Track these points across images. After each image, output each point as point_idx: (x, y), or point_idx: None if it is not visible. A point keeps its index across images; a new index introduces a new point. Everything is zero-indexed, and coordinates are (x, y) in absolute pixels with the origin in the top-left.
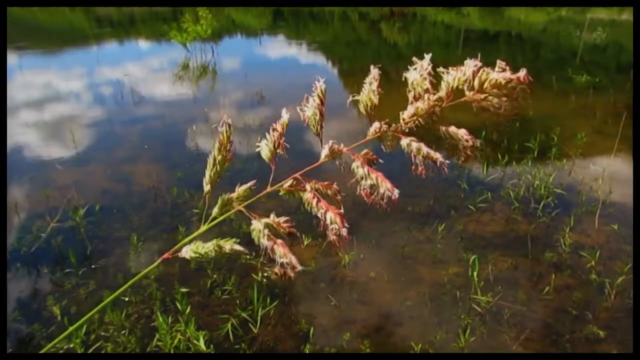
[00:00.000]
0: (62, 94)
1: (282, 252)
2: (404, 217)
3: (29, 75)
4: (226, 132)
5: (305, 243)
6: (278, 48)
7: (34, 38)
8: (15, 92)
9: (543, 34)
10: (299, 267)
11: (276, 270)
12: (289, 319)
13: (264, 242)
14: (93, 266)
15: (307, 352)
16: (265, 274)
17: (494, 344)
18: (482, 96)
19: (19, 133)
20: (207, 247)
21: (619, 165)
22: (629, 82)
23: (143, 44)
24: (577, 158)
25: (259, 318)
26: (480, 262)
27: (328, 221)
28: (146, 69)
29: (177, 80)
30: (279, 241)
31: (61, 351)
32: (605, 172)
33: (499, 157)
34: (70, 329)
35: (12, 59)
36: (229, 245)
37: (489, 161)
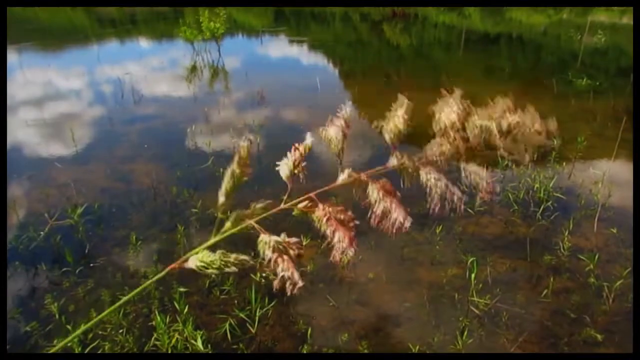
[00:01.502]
0: (63, 93)
1: (285, 266)
2: None
3: (30, 73)
4: (247, 147)
5: (304, 243)
6: (279, 48)
7: (35, 36)
8: (16, 90)
9: (544, 37)
10: (300, 283)
11: (276, 283)
12: (287, 319)
13: (269, 253)
14: (92, 265)
15: (305, 352)
16: (264, 274)
17: (491, 346)
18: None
19: (19, 131)
20: (213, 257)
21: (618, 169)
22: (629, 85)
23: (144, 43)
24: (577, 161)
25: (257, 318)
26: (478, 264)
27: (336, 240)
28: (147, 68)
29: (178, 79)
30: (285, 256)
31: (59, 350)
32: (605, 175)
33: (499, 159)
34: (77, 332)
35: (12, 57)
36: (234, 254)
37: (489, 164)
